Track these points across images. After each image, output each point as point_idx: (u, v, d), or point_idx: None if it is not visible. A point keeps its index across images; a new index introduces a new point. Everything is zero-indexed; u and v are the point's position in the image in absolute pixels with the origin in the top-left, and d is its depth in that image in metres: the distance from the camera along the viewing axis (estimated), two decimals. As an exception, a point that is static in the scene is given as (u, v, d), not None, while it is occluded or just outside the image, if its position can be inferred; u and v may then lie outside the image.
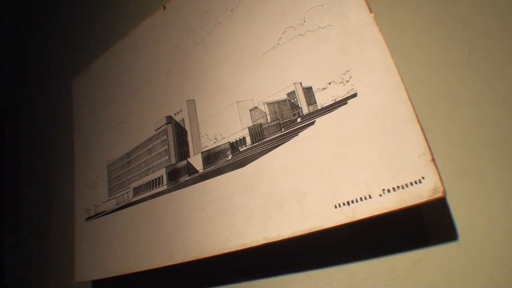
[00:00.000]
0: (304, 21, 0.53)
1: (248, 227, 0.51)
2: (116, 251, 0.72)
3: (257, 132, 0.53)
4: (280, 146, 0.51)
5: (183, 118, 0.64)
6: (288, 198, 0.48)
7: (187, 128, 0.64)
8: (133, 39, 0.80)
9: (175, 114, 0.66)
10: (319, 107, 0.49)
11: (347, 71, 0.48)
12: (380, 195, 0.42)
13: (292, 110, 0.51)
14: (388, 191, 0.42)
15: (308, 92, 0.50)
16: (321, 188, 0.46)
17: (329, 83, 0.49)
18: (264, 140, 0.53)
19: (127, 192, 0.73)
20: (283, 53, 0.54)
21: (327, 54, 0.50)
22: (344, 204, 0.44)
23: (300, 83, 0.51)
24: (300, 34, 0.53)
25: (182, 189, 0.62)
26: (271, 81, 0.54)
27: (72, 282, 0.78)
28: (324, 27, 0.51)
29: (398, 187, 0.41)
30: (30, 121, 1.21)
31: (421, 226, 0.45)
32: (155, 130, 0.70)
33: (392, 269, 0.45)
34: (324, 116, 0.48)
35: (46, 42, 1.26)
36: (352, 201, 0.44)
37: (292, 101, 0.51)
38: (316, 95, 0.50)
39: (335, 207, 0.45)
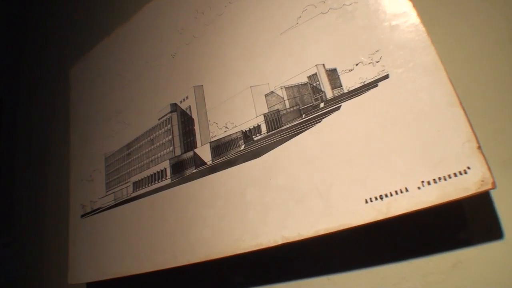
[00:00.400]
0: (326, -2, 0.48)
1: (263, 225, 0.46)
2: (113, 251, 0.66)
3: (273, 119, 0.48)
4: (301, 134, 0.45)
5: (189, 106, 0.59)
6: (310, 192, 0.43)
7: (194, 116, 0.58)
8: (136, 24, 0.74)
9: (180, 102, 0.61)
10: (345, 91, 0.44)
11: (377, 51, 0.43)
12: (419, 188, 0.37)
13: (314, 94, 0.46)
14: (428, 183, 0.37)
15: (332, 74, 0.45)
16: (349, 181, 0.41)
17: (356, 64, 0.44)
18: (282, 128, 0.48)
19: (127, 187, 0.67)
20: (303, 33, 0.49)
21: (353, 33, 0.45)
22: (376, 199, 0.39)
23: (323, 64, 0.46)
24: (322, 13, 0.48)
25: (188, 183, 0.56)
26: (289, 64, 0.49)
27: (65, 284, 0.72)
28: (349, 4, 0.46)
29: (439, 178, 0.36)
30: (25, 114, 1.15)
31: (461, 223, 0.40)
32: (158, 119, 0.64)
33: (427, 273, 0.40)
34: (351, 100, 0.43)
35: (43, 31, 1.20)
36: (386, 195, 0.39)
37: (314, 84, 0.46)
38: (341, 77, 0.45)
39: (366, 201, 0.40)
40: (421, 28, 0.41)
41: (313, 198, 0.43)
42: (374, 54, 0.43)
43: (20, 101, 1.19)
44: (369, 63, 0.43)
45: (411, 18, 0.42)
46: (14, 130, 1.15)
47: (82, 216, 0.75)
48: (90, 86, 0.83)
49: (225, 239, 0.49)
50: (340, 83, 0.44)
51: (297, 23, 0.50)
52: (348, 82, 0.44)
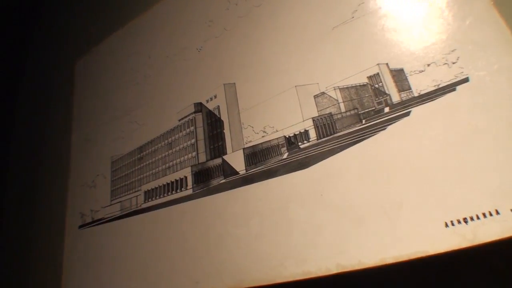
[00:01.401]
0: (386, -9, 0.43)
1: (313, 249, 0.39)
2: (117, 270, 0.56)
3: (325, 124, 0.42)
4: (361, 143, 0.39)
5: (218, 106, 0.52)
6: (374, 211, 0.36)
7: (224, 117, 0.51)
8: (155, 14, 0.68)
9: (207, 101, 0.54)
10: (416, 94, 0.38)
11: (453, 51, 0.37)
12: (514, 211, 0.31)
13: (377, 97, 0.40)
14: (526, 206, 0.30)
15: (399, 75, 0.39)
16: (424, 200, 0.34)
17: (428, 65, 0.38)
18: (336, 135, 0.41)
19: (137, 196, 0.59)
20: (359, 29, 0.43)
21: (421, 30, 0.40)
22: (459, 222, 0.33)
23: (387, 64, 0.40)
24: (381, 7, 0.43)
25: (215, 195, 0.49)
26: (344, 62, 0.43)
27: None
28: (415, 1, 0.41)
29: (540, 200, 0.30)
30: (22, 108, 1.04)
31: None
32: (179, 120, 0.56)
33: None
34: (423, 105, 0.37)
35: (48, 19, 1.11)
36: (472, 218, 0.32)
37: (376, 86, 0.40)
38: (409, 79, 0.39)
39: (446, 225, 0.33)
40: (504, 26, 0.36)
41: (378, 219, 0.36)
42: (449, 54, 0.38)
43: (18, 94, 1.08)
44: (444, 64, 0.38)
45: (491, 15, 0.37)
46: (9, 125, 1.03)
47: (81, 226, 0.65)
48: (97, 81, 0.74)
49: (262, 264, 0.42)
50: (409, 86, 0.38)
51: (353, 17, 0.44)
52: (419, 85, 0.38)
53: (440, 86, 0.37)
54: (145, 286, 0.52)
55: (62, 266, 0.64)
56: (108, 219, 0.61)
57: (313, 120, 0.42)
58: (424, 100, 0.37)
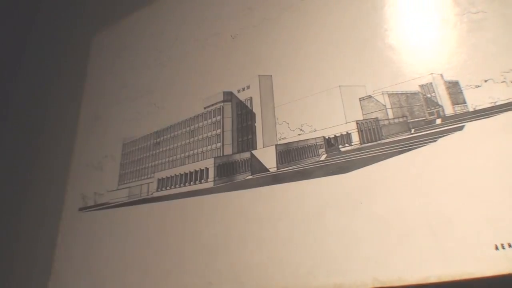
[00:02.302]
0: (443, 2, 0.42)
1: (347, 260, 0.36)
2: (118, 261, 0.52)
3: (370, 129, 0.40)
4: (408, 152, 0.37)
5: (251, 97, 0.49)
6: (419, 226, 0.34)
7: (257, 110, 0.48)
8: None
9: (239, 91, 0.51)
10: (471, 109, 0.36)
11: (512, 69, 0.36)
12: None
13: (428, 107, 0.38)
14: None
15: (453, 87, 0.38)
16: (474, 219, 0.33)
17: (485, 81, 0.37)
18: (381, 141, 0.39)
19: (149, 183, 0.55)
20: (414, 35, 0.42)
21: (480, 45, 0.39)
22: (510, 246, 0.31)
23: (441, 74, 0.39)
24: (440, 16, 0.42)
25: (239, 191, 0.46)
26: (394, 67, 0.41)
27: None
28: (476, 13, 0.40)
29: None
30: (28, 75, 0.96)
31: None
32: (205, 108, 0.53)
33: None
34: (478, 121, 0.36)
35: None
36: (524, 244, 0.31)
37: (428, 96, 0.39)
38: (464, 92, 0.37)
39: (496, 248, 0.31)
40: None
41: (423, 235, 0.34)
42: (508, 72, 0.36)
43: (25, 59, 0.99)
44: (502, 82, 0.36)
45: (553, 38, 0.36)
46: (12, 92, 0.95)
47: (81, 209, 0.60)
48: (115, 58, 0.70)
49: (288, 271, 0.39)
50: (464, 99, 0.37)
51: (409, 23, 0.42)
52: (474, 100, 0.37)
53: (497, 104, 0.36)
54: (149, 283, 0.48)
55: (54, 251, 0.59)
56: (114, 204, 0.57)
57: (357, 124, 0.40)
58: (479, 116, 0.36)
